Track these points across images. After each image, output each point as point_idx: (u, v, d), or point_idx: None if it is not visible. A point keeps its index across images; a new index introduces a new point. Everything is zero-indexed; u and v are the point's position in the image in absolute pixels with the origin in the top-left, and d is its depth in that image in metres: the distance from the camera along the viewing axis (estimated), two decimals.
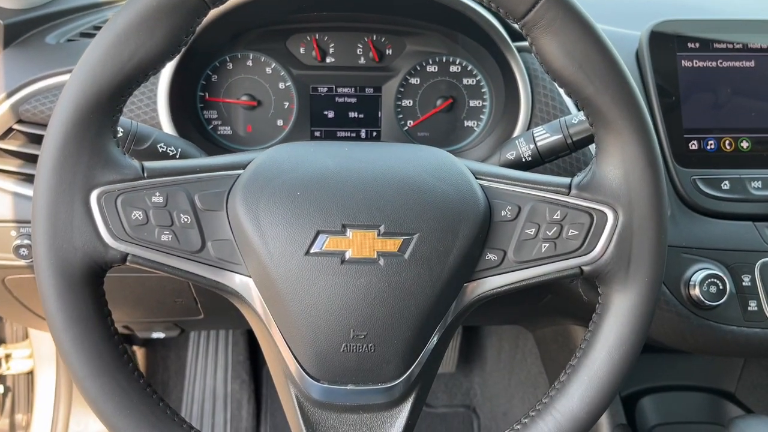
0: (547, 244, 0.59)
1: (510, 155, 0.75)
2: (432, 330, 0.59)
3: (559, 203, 0.60)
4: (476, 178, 0.61)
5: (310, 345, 0.58)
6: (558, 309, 1.03)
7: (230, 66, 0.95)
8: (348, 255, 0.57)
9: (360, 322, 0.57)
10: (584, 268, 0.60)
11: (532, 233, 0.60)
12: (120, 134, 0.72)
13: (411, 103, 0.98)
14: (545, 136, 0.74)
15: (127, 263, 0.58)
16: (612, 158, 0.58)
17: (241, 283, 0.59)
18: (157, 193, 0.57)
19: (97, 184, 0.56)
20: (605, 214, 0.59)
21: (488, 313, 1.12)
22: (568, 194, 0.60)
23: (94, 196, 0.56)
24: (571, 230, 0.59)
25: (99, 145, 0.56)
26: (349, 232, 0.57)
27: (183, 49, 0.88)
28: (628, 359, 0.59)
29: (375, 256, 0.57)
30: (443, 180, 0.60)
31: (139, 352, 1.48)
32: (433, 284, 0.58)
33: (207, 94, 0.96)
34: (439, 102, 0.97)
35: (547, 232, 0.59)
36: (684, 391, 1.10)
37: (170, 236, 0.58)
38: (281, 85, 0.96)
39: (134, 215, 0.57)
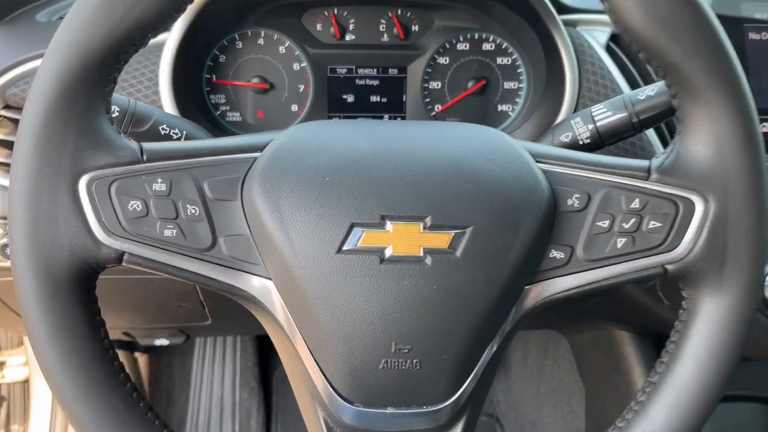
0: (623, 239, 0.50)
1: (565, 137, 0.65)
2: (487, 342, 0.50)
3: (638, 190, 0.50)
4: (537, 162, 0.51)
5: (342, 360, 0.48)
6: (604, 312, 0.93)
7: (239, 45, 0.87)
8: (388, 252, 0.47)
9: (403, 334, 0.48)
10: (668, 267, 0.50)
11: (605, 226, 0.50)
12: (116, 114, 0.62)
13: (439, 86, 0.89)
14: (606, 115, 0.64)
15: (124, 263, 0.48)
16: (701, 135, 0.49)
17: (259, 286, 0.50)
18: (159, 180, 0.48)
19: (86, 169, 0.47)
20: (693, 202, 0.49)
21: None
22: (647, 179, 0.50)
23: (83, 183, 0.47)
24: (652, 222, 0.50)
25: (88, 122, 0.47)
26: (390, 225, 0.47)
27: (187, 23, 0.80)
28: (723, 376, 0.49)
29: (420, 254, 0.47)
30: (499, 163, 0.50)
31: (141, 359, 1.39)
32: (489, 287, 0.48)
33: (214, 76, 0.87)
34: (470, 84, 0.89)
35: (624, 224, 0.50)
36: (739, 401, 1.00)
37: (175, 231, 0.48)
38: (296, 66, 0.87)
39: (131, 206, 0.48)
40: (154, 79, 0.81)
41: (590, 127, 0.65)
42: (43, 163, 0.46)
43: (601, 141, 0.65)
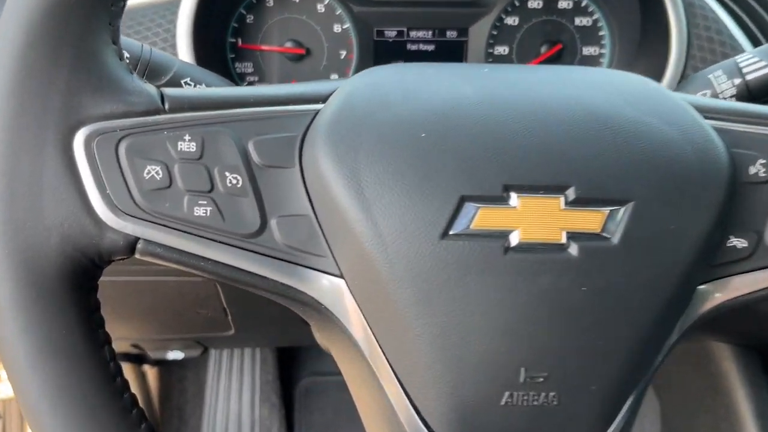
0: None
1: (702, 96, 0.51)
2: (649, 362, 0.36)
3: None
4: (705, 118, 0.37)
5: (446, 393, 0.34)
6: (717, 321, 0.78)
7: (270, 3, 0.74)
8: (515, 238, 0.33)
9: (536, 357, 0.33)
10: None
11: None
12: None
13: (506, 51, 0.76)
14: (760, 66, 0.50)
15: (137, 255, 0.34)
16: None
17: (325, 287, 0.36)
18: (187, 137, 0.34)
19: (84, 119, 0.33)
20: None
21: None
22: None
23: (79, 140, 0.33)
24: None
25: (87, 54, 0.33)
26: (516, 199, 0.33)
27: None
28: None
29: (562, 240, 0.33)
30: (661, 117, 0.36)
31: (150, 373, 1.25)
32: (657, 287, 0.34)
33: (240, 40, 0.75)
34: (543, 49, 0.76)
35: None
36: None
37: (209, 209, 0.34)
38: (336, 28, 0.74)
39: (148, 172, 0.34)
40: (170, 40, 0.68)
41: (737, 81, 0.50)
42: (22, 110, 0.32)
43: (749, 97, 0.50)
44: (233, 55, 0.74)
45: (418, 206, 0.33)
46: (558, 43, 0.75)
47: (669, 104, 0.37)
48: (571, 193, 0.34)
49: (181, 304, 0.77)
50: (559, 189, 0.34)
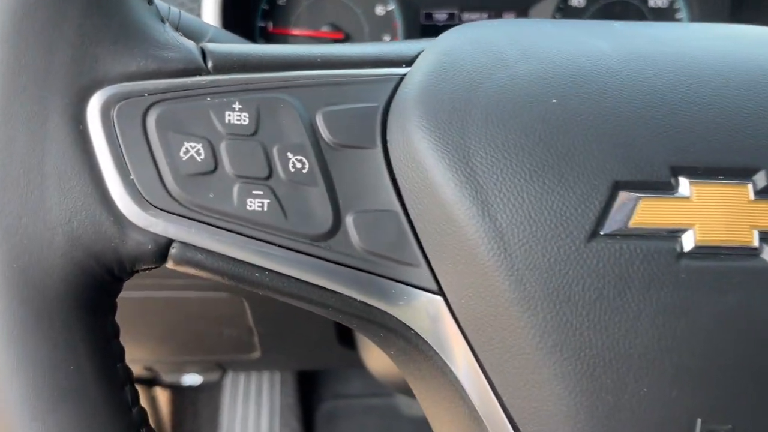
0: None
1: None
2: None
3: None
4: None
5: None
6: None
7: None
8: (690, 239, 0.25)
9: (719, 402, 0.25)
10: None
11: None
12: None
13: None
14: None
15: (170, 263, 0.26)
16: None
17: (421, 307, 0.27)
18: (237, 105, 0.26)
19: (102, 78, 0.25)
20: None
21: None
22: None
23: (95, 105, 0.25)
24: None
25: None
26: (688, 187, 0.25)
27: None
28: None
29: (754, 243, 0.25)
30: None
31: (162, 396, 1.16)
32: None
33: (271, 24, 0.66)
34: None
35: None
36: None
37: (266, 202, 0.26)
38: (379, 10, 0.68)
39: (186, 151, 0.25)
40: None
41: None
42: (18, 66, 0.24)
43: None
44: (264, 40, 0.67)
45: (554, 197, 0.25)
46: None
47: None
48: (761, 178, 0.25)
49: (203, 323, 0.69)
50: (744, 173, 0.25)
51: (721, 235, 0.24)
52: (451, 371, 0.27)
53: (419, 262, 0.27)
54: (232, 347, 0.75)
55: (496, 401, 0.26)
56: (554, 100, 0.26)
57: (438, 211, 0.26)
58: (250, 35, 0.66)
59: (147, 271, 0.27)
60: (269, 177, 0.26)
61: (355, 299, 0.27)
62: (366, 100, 0.28)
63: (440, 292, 0.27)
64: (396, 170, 0.27)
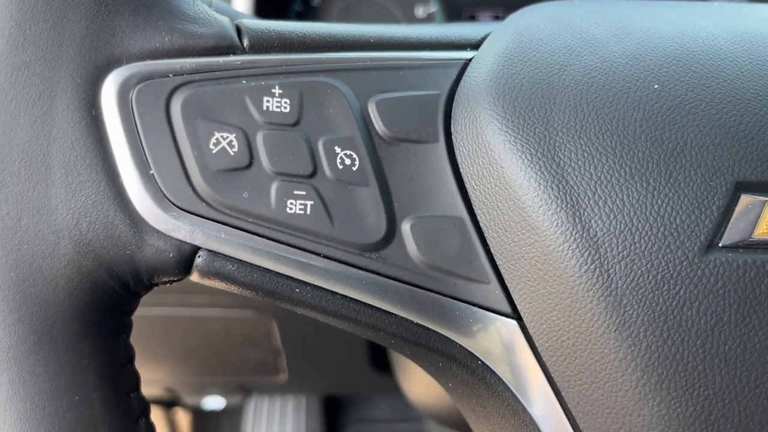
0: None
1: None
2: None
3: None
4: None
5: None
6: None
7: None
8: None
9: None
10: None
11: None
12: None
13: None
14: None
15: (194, 276, 0.22)
16: None
17: (491, 333, 0.23)
18: (277, 89, 0.22)
19: (120, 55, 0.21)
20: None
21: None
22: None
23: (110, 87, 0.21)
24: None
25: None
26: None
27: None
28: None
29: None
30: None
31: (182, 420, 1.11)
32: None
33: None
34: None
35: None
36: None
37: (309, 204, 0.22)
38: (419, 11, 0.63)
39: (217, 142, 0.21)
40: None
41: None
42: (24, 41, 0.20)
43: None
44: None
45: (660, 200, 0.20)
46: None
47: None
48: None
49: (227, 344, 0.64)
50: None
51: None
52: (524, 410, 0.23)
53: (489, 278, 0.22)
54: (257, 369, 0.70)
55: None
56: (656, 86, 0.22)
57: (515, 216, 0.21)
58: None
59: (168, 285, 0.23)
60: (313, 175, 0.22)
61: (411, 321, 0.23)
62: (426, 87, 0.24)
63: (515, 315, 0.22)
64: (462, 168, 0.23)
